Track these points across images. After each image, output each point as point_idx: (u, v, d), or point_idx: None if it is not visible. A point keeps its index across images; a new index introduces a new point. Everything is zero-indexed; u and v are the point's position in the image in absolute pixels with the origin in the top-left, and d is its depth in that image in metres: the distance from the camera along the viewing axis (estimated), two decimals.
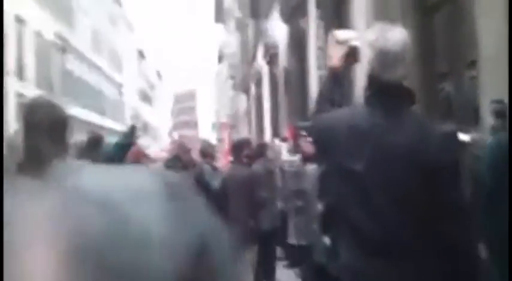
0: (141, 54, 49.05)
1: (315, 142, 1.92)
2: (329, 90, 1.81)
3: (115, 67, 38.02)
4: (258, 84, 17.11)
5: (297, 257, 5.21)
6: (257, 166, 4.68)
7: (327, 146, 1.70)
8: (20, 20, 19.98)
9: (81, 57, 29.07)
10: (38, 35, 22.17)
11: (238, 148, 4.83)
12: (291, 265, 5.69)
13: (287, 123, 10.77)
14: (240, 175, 4.10)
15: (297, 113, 10.09)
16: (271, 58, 13.50)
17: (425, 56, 5.16)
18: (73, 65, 27.29)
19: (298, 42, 10.11)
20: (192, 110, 68.07)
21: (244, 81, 22.39)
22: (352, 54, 1.81)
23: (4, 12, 18.10)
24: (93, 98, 30.32)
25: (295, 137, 8.45)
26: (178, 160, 4.85)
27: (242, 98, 24.17)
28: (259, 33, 16.04)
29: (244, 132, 21.97)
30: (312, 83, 9.00)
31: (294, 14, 10.01)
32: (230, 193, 4.11)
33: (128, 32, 44.23)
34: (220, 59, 39.03)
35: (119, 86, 39.14)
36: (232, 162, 4.98)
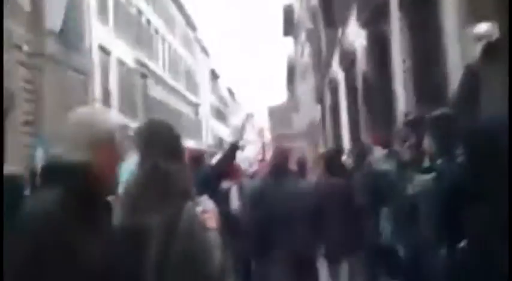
0: (215, 74, 50.30)
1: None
2: (468, 88, 1.68)
3: (191, 89, 39.30)
4: (334, 92, 16.80)
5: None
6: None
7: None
8: (103, 49, 21.10)
9: (161, 81, 30.28)
10: (121, 62, 23.30)
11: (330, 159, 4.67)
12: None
13: (369, 132, 10.41)
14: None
15: (380, 122, 9.71)
16: (348, 65, 13.20)
17: None
18: (154, 90, 28.44)
19: (378, 47, 9.77)
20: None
21: (317, 90, 22.14)
22: (492, 50, 1.64)
23: (90, 43, 19.27)
24: (172, 118, 31.48)
25: (379, 146, 8.16)
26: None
27: (316, 109, 23.87)
28: (334, 41, 15.80)
29: (319, 142, 21.66)
30: (397, 88, 8.62)
31: (373, 18, 9.70)
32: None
33: (202, 54, 45.61)
34: (291, 71, 39.10)
35: (196, 106, 40.34)
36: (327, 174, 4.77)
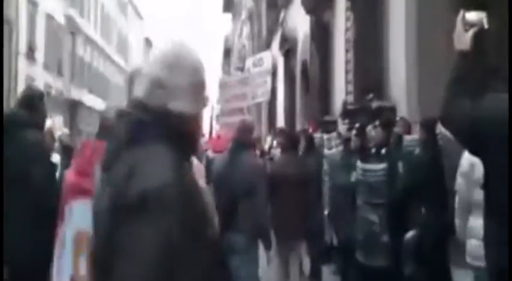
0: (149, 43, 48.72)
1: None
2: (461, 75, 1.70)
3: (122, 55, 37.77)
4: (271, 77, 16.87)
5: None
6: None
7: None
8: (31, 0, 19.72)
9: (90, 42, 28.82)
10: (49, 17, 21.91)
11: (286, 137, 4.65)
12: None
13: (306, 118, 10.57)
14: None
15: (318, 109, 9.88)
16: (289, 51, 13.27)
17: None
18: (82, 49, 27.05)
19: (321, 35, 9.87)
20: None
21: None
22: (483, 37, 1.67)
23: None
24: (99, 83, 30.11)
25: (315, 131, 8.32)
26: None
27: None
28: (275, 24, 15.78)
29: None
30: (337, 77, 8.79)
31: (318, 5, 9.76)
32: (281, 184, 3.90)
33: (136, 20, 43.88)
34: (227, 51, 38.69)
35: (126, 74, 38.87)
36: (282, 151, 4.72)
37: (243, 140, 3.69)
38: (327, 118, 8.79)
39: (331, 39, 9.33)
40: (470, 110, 1.62)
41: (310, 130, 7.69)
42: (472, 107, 1.62)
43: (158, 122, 1.24)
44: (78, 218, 2.04)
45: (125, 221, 1.14)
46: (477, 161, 2.06)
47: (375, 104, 6.37)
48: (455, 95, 1.69)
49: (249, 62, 10.98)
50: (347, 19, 8.01)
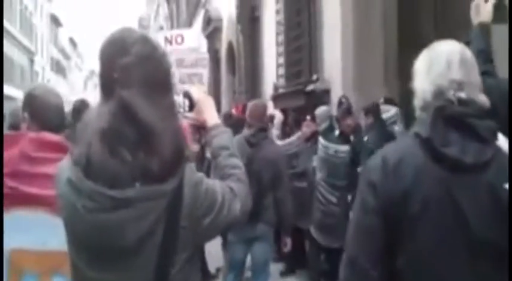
0: (56, 21, 45.58)
1: None
2: (482, 44, 1.60)
3: (26, 33, 34.97)
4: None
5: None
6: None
7: None
8: None
9: None
10: None
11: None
12: None
13: (233, 101, 10.37)
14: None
15: (246, 91, 9.72)
16: (213, 32, 12.91)
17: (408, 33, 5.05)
18: None
19: (249, 17, 9.66)
20: None
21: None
22: (501, 8, 1.61)
23: None
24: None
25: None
26: None
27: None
28: (197, 5, 15.31)
29: None
30: (266, 59, 8.65)
31: None
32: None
33: None
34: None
35: (31, 54, 36.14)
36: None
37: (260, 126, 3.54)
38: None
39: (259, 21, 9.15)
40: (495, 86, 1.52)
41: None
42: (496, 82, 1.54)
43: None
44: (15, 232, 1.65)
45: None
46: None
47: (308, 88, 6.32)
48: (488, 72, 1.59)
49: (159, 37, 9.23)
50: (277, 1, 7.86)
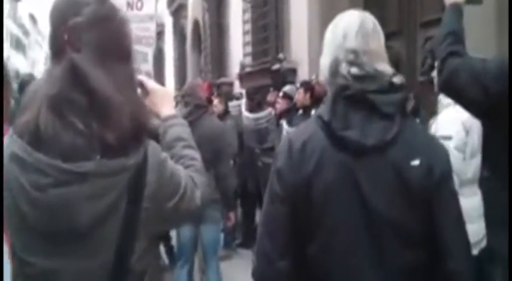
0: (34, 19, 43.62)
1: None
2: (454, 25, 1.59)
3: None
4: (158, 37, 16.06)
5: None
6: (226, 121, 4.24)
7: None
8: None
9: None
10: None
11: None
12: None
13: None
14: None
15: (212, 70, 9.58)
16: (178, 9, 12.63)
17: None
18: None
19: None
20: None
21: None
22: None
23: None
24: None
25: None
26: None
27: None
28: None
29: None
30: (233, 37, 8.53)
31: None
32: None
33: None
34: None
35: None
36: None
37: (197, 103, 3.52)
38: (223, 80, 8.55)
39: None
40: (468, 65, 1.50)
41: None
42: (465, 61, 1.52)
43: None
44: None
45: None
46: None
47: (274, 66, 6.27)
48: (458, 53, 1.57)
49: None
50: None
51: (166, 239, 4.43)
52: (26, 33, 50.59)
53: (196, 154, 1.32)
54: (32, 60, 53.60)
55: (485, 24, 3.16)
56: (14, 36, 43.90)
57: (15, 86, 3.62)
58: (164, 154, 1.17)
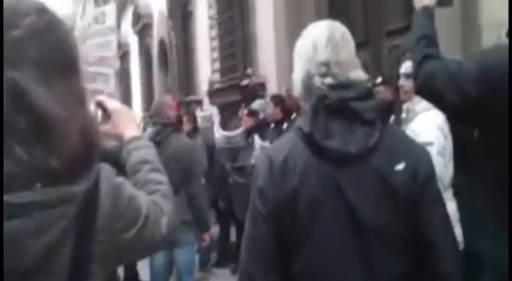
0: None
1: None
2: (426, 28, 1.58)
3: None
4: (124, 58, 15.89)
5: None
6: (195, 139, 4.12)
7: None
8: None
9: None
10: None
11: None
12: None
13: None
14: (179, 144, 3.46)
15: (180, 88, 9.48)
16: (143, 28, 12.51)
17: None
18: None
19: (181, 12, 9.42)
20: None
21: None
22: None
23: None
24: None
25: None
26: None
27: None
28: (126, 1, 14.79)
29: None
30: (200, 55, 8.46)
31: None
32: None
33: None
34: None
35: None
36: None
37: (164, 122, 3.41)
38: (192, 98, 8.46)
39: (191, 16, 8.94)
40: (458, 69, 1.46)
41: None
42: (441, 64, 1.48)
43: None
44: None
45: None
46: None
47: (243, 82, 6.22)
48: (433, 55, 1.53)
49: (84, 21, 8.04)
50: None
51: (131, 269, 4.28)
52: None
53: (163, 178, 1.21)
54: None
55: (452, 25, 3.18)
56: None
57: None
58: (120, 179, 1.04)
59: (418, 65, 1.56)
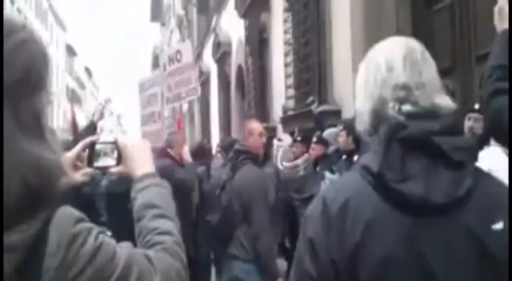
0: (71, 51, 46.41)
1: None
2: (500, 56, 1.30)
3: None
4: (204, 84, 16.29)
5: None
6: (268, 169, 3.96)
7: None
8: None
9: None
10: None
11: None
12: None
13: (243, 126, 10.06)
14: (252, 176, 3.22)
15: (256, 116, 9.40)
16: (222, 57, 12.75)
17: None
18: None
19: (258, 39, 9.43)
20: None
21: None
22: None
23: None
24: None
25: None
26: None
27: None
28: (207, 30, 15.23)
29: (186, 134, 20.98)
30: (276, 82, 8.36)
31: (253, 8, 9.33)
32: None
33: (58, 28, 41.72)
34: (156, 59, 37.63)
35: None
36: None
37: (238, 148, 3.36)
38: (265, 125, 8.34)
39: (267, 42, 8.92)
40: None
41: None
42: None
43: None
44: None
45: None
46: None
47: (318, 109, 5.97)
48: (504, 90, 1.25)
49: (163, 58, 8.37)
50: (285, 21, 7.61)
51: None
52: (81, 86, 53.29)
53: (170, 225, 1.00)
54: (88, 112, 56.15)
55: None
56: (70, 89, 46.27)
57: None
58: (85, 225, 0.83)
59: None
